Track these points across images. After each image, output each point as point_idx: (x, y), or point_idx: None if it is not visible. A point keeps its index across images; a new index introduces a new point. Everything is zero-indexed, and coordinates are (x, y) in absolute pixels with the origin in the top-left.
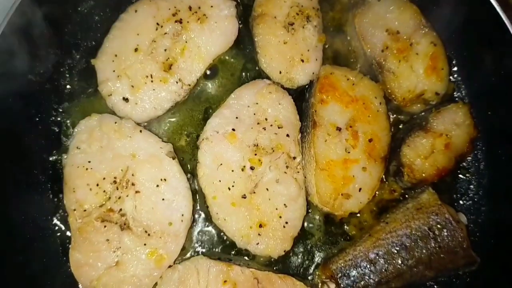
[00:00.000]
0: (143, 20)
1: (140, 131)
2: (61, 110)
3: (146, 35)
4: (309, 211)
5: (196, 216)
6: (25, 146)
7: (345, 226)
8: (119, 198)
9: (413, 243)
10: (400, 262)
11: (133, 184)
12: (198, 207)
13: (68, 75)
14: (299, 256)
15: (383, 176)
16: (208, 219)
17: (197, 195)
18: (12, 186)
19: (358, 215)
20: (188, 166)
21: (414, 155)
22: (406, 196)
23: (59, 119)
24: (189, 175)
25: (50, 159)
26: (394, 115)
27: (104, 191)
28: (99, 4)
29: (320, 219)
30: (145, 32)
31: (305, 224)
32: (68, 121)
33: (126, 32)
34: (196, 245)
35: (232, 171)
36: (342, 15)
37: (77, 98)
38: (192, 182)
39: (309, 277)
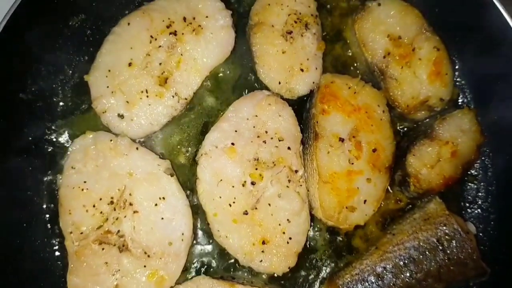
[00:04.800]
0: (136, 33)
1: (137, 148)
2: (54, 128)
3: (140, 49)
4: (313, 224)
5: (197, 234)
6: (18, 166)
7: (351, 239)
8: (117, 219)
9: (421, 256)
10: (408, 275)
11: (130, 204)
12: (199, 225)
13: (60, 92)
14: (304, 272)
15: (388, 186)
16: (210, 236)
17: (198, 212)
18: (5, 209)
19: (364, 227)
20: (188, 182)
21: (420, 164)
22: (412, 205)
23: (52, 137)
24: (188, 191)
25: (45, 179)
26: (398, 123)
27: (101, 212)
28: (90, 17)
29: (325, 233)
30: (139, 46)
31: (309, 238)
32: (62, 140)
33: (119, 46)
34: (198, 264)
35: (233, 186)
36: (341, 21)
37: (71, 116)
38: (192, 199)
39: None
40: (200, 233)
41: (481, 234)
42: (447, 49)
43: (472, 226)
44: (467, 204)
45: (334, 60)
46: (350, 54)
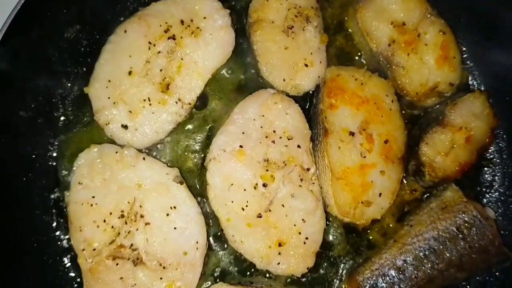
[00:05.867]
0: (134, 40)
1: (144, 158)
2: (57, 144)
3: (139, 56)
4: (329, 222)
5: (211, 240)
6: (23, 187)
7: (368, 234)
8: (129, 232)
9: (441, 246)
10: (430, 266)
11: (142, 216)
12: (213, 231)
13: (61, 106)
14: (323, 270)
15: (402, 177)
16: (224, 242)
17: (210, 218)
18: (14, 229)
19: (380, 220)
20: (198, 188)
21: (433, 153)
22: (428, 195)
23: (56, 153)
24: (199, 198)
25: (52, 197)
26: (408, 111)
27: (112, 226)
28: (85, 27)
29: (341, 229)
30: (138, 53)
31: (326, 236)
32: (66, 155)
33: (117, 55)
34: (215, 271)
35: (244, 190)
36: (342, 11)
37: (74, 129)
38: (203, 205)
39: None
40: (214, 239)
41: (500, 218)
42: (452, 32)
43: (491, 211)
44: (484, 189)
45: (338, 52)
46: (354, 44)
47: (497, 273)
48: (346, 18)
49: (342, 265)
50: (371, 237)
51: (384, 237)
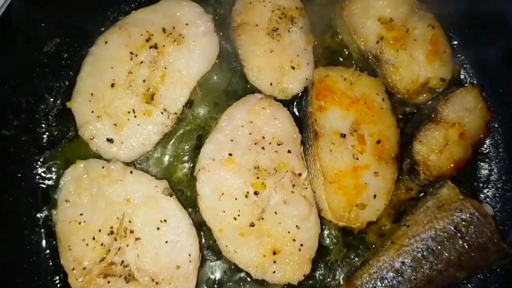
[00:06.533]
0: (115, 51)
1: (131, 172)
2: (42, 161)
3: (121, 67)
4: (324, 226)
5: (205, 251)
6: (10, 207)
7: (364, 236)
8: (119, 249)
9: (439, 246)
10: (428, 267)
11: (131, 232)
12: (205, 242)
13: (44, 122)
14: (320, 276)
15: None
16: (218, 252)
17: (203, 229)
18: (2, 250)
19: (376, 221)
20: (189, 198)
21: (427, 151)
22: (424, 193)
23: (42, 171)
24: (190, 209)
25: (40, 215)
26: (400, 109)
27: (102, 244)
28: (65, 40)
29: (337, 232)
30: (120, 64)
31: (322, 241)
32: (52, 172)
33: (99, 67)
34: (209, 282)
35: (236, 199)
36: (328, 10)
37: (59, 145)
38: (195, 216)
39: None
40: (208, 250)
41: (499, 214)
42: (442, 25)
43: (488, 207)
44: (481, 185)
45: (326, 52)
46: (341, 43)
47: (497, 270)
48: (332, 16)
49: (339, 269)
50: (368, 239)
51: (381, 238)
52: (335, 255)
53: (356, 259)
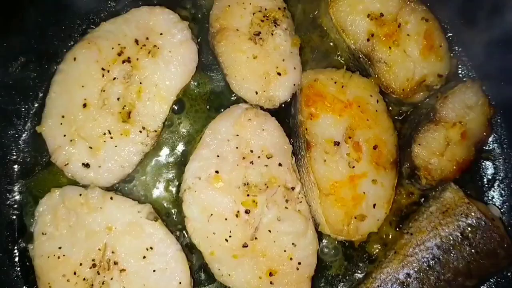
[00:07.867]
0: (85, 68)
1: (111, 198)
2: (17, 191)
3: (92, 85)
4: (322, 240)
5: (196, 275)
6: None
7: (366, 246)
8: (103, 283)
9: (446, 254)
10: (436, 278)
11: (115, 263)
12: (197, 266)
13: (14, 149)
14: None
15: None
16: (211, 275)
17: (193, 252)
18: None
19: (377, 231)
20: (176, 220)
21: (428, 154)
22: (426, 196)
23: (16, 201)
24: (178, 232)
25: (17, 248)
26: (396, 109)
27: (84, 278)
28: (31, 58)
29: (336, 246)
30: (91, 82)
31: (320, 255)
32: (28, 202)
33: (68, 86)
34: None
35: (226, 219)
36: (313, 7)
37: (33, 173)
38: (183, 239)
39: None
40: (200, 273)
41: (506, 213)
42: (436, 17)
43: (495, 209)
44: (486, 184)
45: (313, 53)
46: (330, 43)
47: (508, 274)
48: (317, 13)
49: (341, 284)
50: (369, 250)
51: (384, 248)
52: (336, 269)
53: (359, 272)
